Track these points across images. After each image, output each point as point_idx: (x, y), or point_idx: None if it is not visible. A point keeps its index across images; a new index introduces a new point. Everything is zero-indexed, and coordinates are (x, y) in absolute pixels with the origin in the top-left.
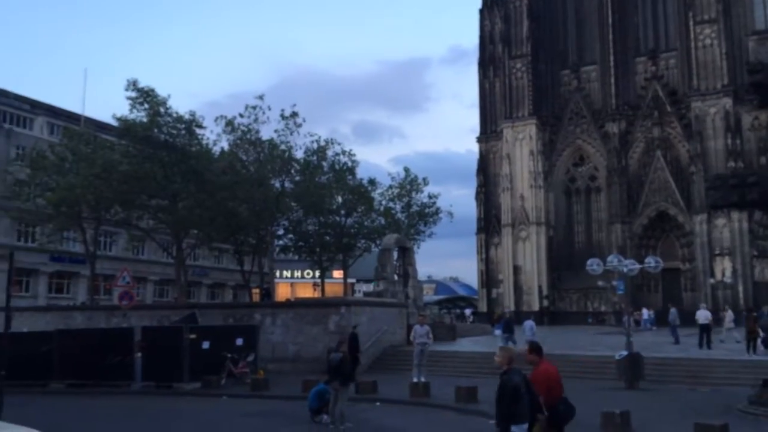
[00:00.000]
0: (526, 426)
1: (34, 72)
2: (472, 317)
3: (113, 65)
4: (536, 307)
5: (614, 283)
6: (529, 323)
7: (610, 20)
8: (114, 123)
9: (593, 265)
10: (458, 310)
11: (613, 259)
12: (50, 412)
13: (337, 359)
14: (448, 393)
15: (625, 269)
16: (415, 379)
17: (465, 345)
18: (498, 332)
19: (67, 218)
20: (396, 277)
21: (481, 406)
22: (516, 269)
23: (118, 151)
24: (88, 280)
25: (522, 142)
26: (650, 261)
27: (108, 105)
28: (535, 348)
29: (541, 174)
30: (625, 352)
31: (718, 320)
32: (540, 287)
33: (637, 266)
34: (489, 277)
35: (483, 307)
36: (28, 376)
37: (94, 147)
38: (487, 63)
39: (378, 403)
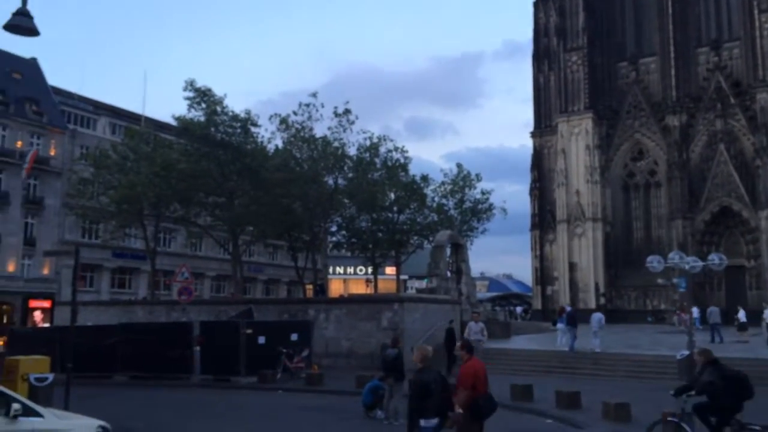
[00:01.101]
0: (435, 421)
1: (96, 74)
2: (523, 314)
3: (172, 66)
4: (593, 304)
5: (675, 280)
6: (597, 315)
7: (670, 10)
8: (173, 122)
9: (653, 262)
10: (511, 308)
11: (674, 256)
12: (114, 404)
13: (393, 355)
14: (503, 391)
15: (687, 266)
16: None
17: (520, 342)
18: (561, 326)
19: (128, 215)
20: (449, 274)
21: (537, 404)
22: (572, 266)
23: (177, 149)
24: (148, 276)
25: (578, 136)
26: (714, 258)
27: (167, 105)
28: (466, 345)
29: (597, 169)
30: (686, 352)
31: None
32: (597, 285)
33: (700, 263)
34: (543, 274)
35: (538, 304)
36: (93, 368)
37: (154, 146)
38: (542, 56)
39: None
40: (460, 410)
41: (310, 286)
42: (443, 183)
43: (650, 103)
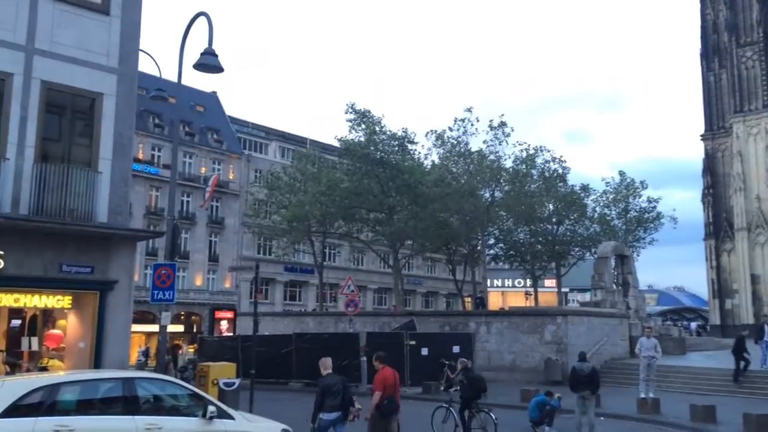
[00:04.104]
0: (333, 415)
1: (266, 101)
2: (698, 330)
3: (333, 89)
4: None
5: None
6: None
7: None
8: (335, 144)
9: None
10: (685, 322)
11: None
12: (292, 408)
13: (588, 369)
14: (680, 411)
15: None
16: (642, 395)
17: (697, 359)
18: None
19: (298, 232)
20: (614, 287)
21: (721, 427)
22: (754, 278)
23: (340, 169)
24: (316, 288)
25: (756, 137)
26: None
27: (329, 127)
28: (379, 357)
29: None
30: None
31: None
32: None
33: None
34: (721, 286)
35: (715, 319)
36: (271, 374)
37: (319, 167)
38: (711, 54)
39: (602, 418)
40: (359, 406)
41: (468, 299)
42: (605, 192)
43: None
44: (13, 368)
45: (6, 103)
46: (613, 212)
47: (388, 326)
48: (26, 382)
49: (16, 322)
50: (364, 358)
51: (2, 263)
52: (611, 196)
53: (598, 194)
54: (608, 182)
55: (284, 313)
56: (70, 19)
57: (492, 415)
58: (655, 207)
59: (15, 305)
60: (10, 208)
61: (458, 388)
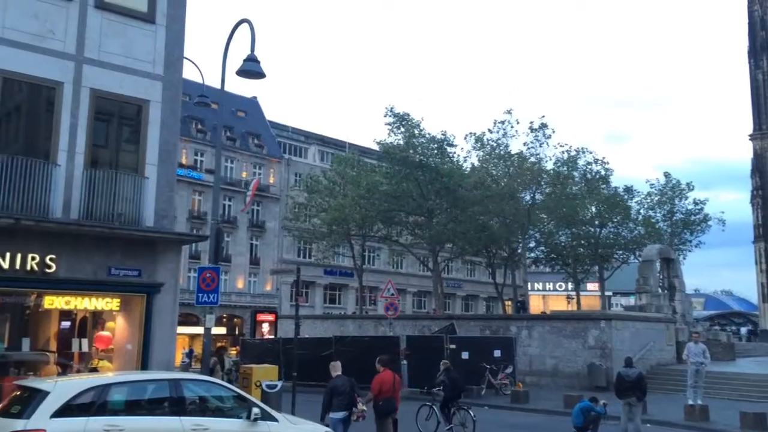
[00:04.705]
0: (340, 414)
1: (305, 105)
2: (749, 335)
3: (372, 92)
4: None
5: None
6: None
7: None
8: (374, 147)
9: None
10: (734, 327)
11: None
12: None
13: (634, 375)
14: (730, 418)
15: None
16: (690, 402)
17: (747, 366)
18: None
19: (338, 235)
20: (660, 291)
21: None
22: None
23: (379, 172)
24: (356, 291)
25: None
26: None
27: (368, 130)
28: (381, 360)
29: None
30: None
31: None
32: None
33: None
34: None
35: (765, 323)
36: (312, 377)
37: (358, 170)
38: (759, 51)
39: (649, 425)
40: (364, 408)
41: (509, 302)
42: (649, 194)
43: None
44: (65, 369)
45: (57, 111)
46: (659, 214)
47: (428, 329)
48: (78, 383)
49: (67, 324)
50: (405, 362)
51: (54, 267)
52: (656, 198)
53: (643, 196)
54: (653, 184)
55: (324, 316)
56: (117, 29)
57: (471, 412)
58: (701, 209)
59: (66, 308)
60: (61, 213)
61: (441, 387)
